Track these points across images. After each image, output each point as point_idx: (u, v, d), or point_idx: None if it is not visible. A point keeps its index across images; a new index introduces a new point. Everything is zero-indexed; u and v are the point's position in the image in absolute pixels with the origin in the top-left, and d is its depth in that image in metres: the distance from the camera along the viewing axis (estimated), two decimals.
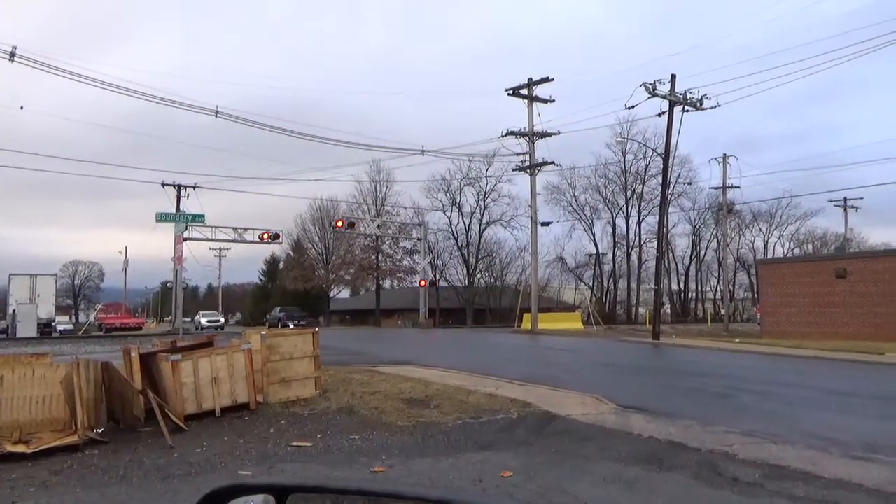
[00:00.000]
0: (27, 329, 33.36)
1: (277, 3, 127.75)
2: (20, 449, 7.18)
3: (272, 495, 1.29)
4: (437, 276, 59.53)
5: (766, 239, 67.38)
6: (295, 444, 7.71)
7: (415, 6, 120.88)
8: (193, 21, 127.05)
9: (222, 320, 55.23)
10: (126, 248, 70.49)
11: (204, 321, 51.04)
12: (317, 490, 1.37)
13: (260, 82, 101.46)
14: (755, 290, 56.28)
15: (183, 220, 37.94)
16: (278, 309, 54.99)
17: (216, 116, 33.11)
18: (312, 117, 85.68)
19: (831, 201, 55.03)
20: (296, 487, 1.32)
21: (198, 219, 38.81)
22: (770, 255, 61.90)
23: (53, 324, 39.03)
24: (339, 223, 47.02)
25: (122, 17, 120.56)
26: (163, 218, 37.90)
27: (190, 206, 40.22)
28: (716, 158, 45.54)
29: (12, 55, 26.30)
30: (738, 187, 46.61)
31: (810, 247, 65.25)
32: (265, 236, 43.15)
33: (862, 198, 53.71)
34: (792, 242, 66.92)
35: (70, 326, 48.98)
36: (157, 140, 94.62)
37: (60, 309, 54.15)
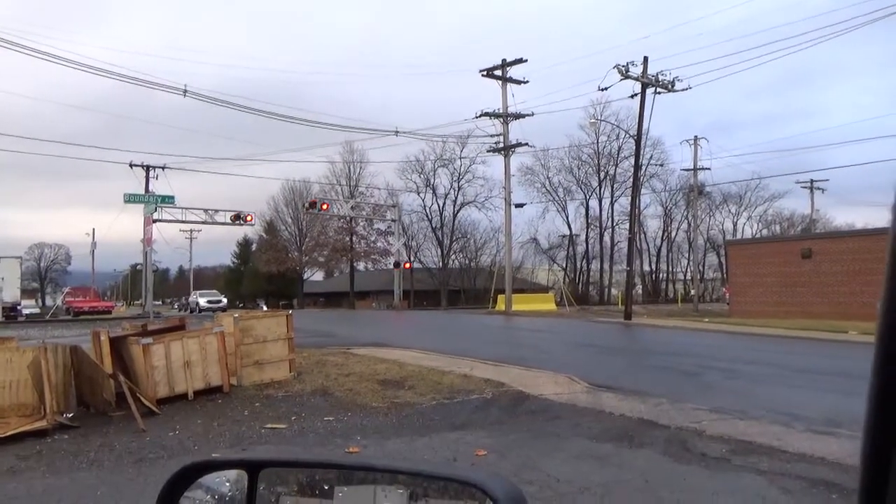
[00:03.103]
0: None
1: None
2: None
3: (244, 470, 1.29)
4: (412, 258, 59.49)
5: (735, 220, 68.67)
6: (269, 426, 7.69)
7: None
8: (176, 2, 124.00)
9: (224, 301, 48.99)
10: (94, 230, 69.04)
11: (203, 301, 46.96)
12: (288, 464, 1.38)
13: (240, 63, 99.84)
14: (724, 271, 57.35)
15: (152, 202, 37.20)
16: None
17: (185, 96, 32.54)
18: (291, 99, 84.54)
19: (798, 183, 56.21)
20: (267, 462, 1.33)
21: (167, 200, 38.09)
22: (739, 236, 63.06)
23: (19, 307, 38.19)
24: (312, 205, 46.57)
25: None
26: (131, 199, 37.11)
27: (160, 187, 39.55)
28: (687, 140, 46.08)
29: None
30: (709, 169, 47.26)
31: (778, 228, 66.60)
32: (236, 218, 42.60)
33: (828, 179, 54.97)
34: (760, 223, 68.32)
35: (37, 310, 47.93)
36: (130, 121, 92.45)
37: (26, 292, 53.02)
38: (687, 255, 66.47)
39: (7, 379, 7.73)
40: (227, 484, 1.31)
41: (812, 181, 55.52)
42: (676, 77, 29.51)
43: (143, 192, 38.60)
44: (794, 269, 29.81)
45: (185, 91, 32.41)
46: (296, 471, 1.33)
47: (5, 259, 38.07)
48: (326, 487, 1.26)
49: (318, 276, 73.16)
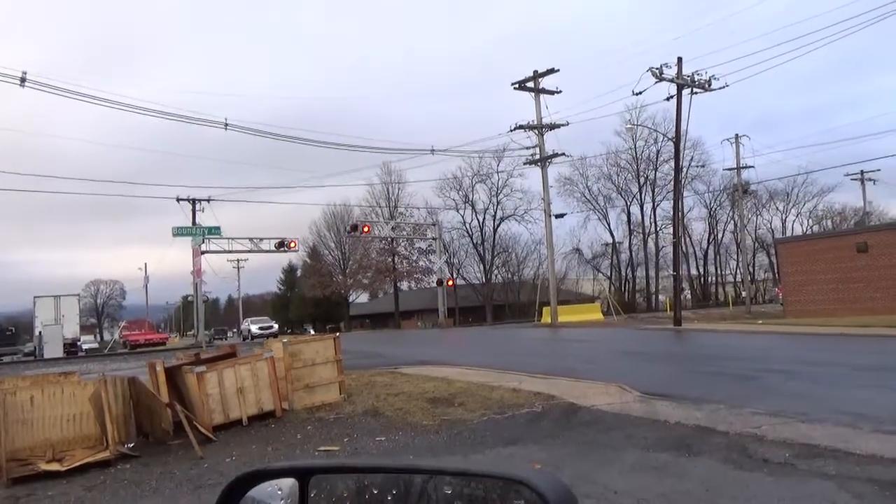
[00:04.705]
0: (54, 349, 33.82)
1: (297, 17, 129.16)
2: (54, 467, 7.30)
3: (295, 477, 1.31)
4: (455, 275, 59.52)
5: (783, 218, 66.79)
6: (322, 448, 7.76)
7: (419, 8, 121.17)
8: (218, 42, 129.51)
9: (276, 326, 50.05)
10: (146, 264, 71.50)
11: (255, 328, 47.63)
12: (337, 470, 1.39)
13: (278, 93, 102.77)
14: (776, 270, 55.72)
15: (199, 234, 38.23)
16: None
17: (226, 129, 33.36)
18: (329, 125, 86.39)
19: (848, 175, 54.33)
20: (316, 468, 1.35)
21: (213, 231, 39.09)
22: (789, 234, 61.21)
23: (79, 343, 39.49)
24: (353, 228, 47.15)
25: (153, 41, 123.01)
26: (179, 232, 38.22)
27: (206, 219, 40.61)
28: (728, 139, 45.15)
29: (23, 80, 26.68)
30: (753, 167, 46.13)
31: (829, 223, 64.45)
32: (280, 245, 43.42)
33: (879, 170, 52.97)
34: (811, 219, 66.25)
35: (95, 345, 49.52)
36: (176, 158, 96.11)
37: (85, 328, 54.85)
38: (735, 256, 64.91)
39: (71, 412, 8.00)
40: (279, 492, 1.33)
41: (862, 172, 53.66)
42: (713, 76, 29.03)
43: (190, 224, 39.70)
44: (849, 264, 28.75)
45: (226, 124, 33.30)
46: (345, 476, 1.35)
47: (65, 297, 39.52)
48: (375, 492, 1.28)
49: (363, 298, 73.80)
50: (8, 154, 63.96)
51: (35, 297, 39.05)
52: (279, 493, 1.33)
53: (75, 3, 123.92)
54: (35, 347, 36.69)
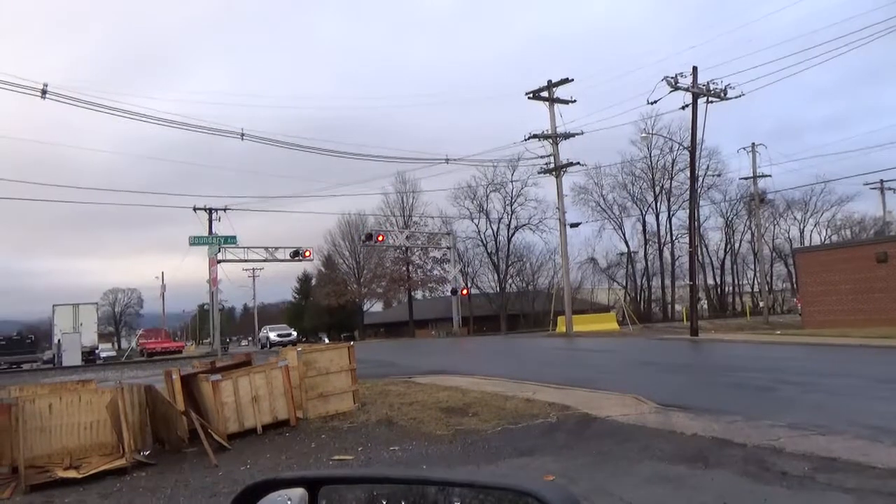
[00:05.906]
0: (72, 357, 34.13)
1: (315, 28, 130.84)
2: (71, 474, 7.36)
3: (304, 487, 1.32)
4: (469, 284, 59.44)
5: (801, 227, 65.99)
6: (336, 457, 7.77)
7: (436, 19, 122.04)
8: (236, 53, 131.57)
9: (294, 334, 50.15)
10: (163, 273, 72.09)
11: (273, 336, 47.76)
12: (346, 480, 1.40)
13: (298, 103, 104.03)
14: (794, 280, 55.09)
15: (215, 243, 38.55)
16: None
17: (242, 139, 33.70)
18: (347, 134, 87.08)
19: (867, 184, 53.67)
20: (327, 479, 1.35)
21: (230, 240, 39.38)
22: (807, 244, 60.53)
23: (97, 351, 39.82)
24: (369, 237, 47.33)
25: (174, 50, 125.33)
26: (196, 241, 38.53)
27: (223, 228, 40.92)
28: (744, 148, 44.78)
29: (44, 92, 27.14)
30: (769, 176, 45.69)
31: (848, 232, 63.62)
32: (295, 254, 43.64)
33: None
34: (829, 229, 65.36)
35: (113, 353, 49.91)
36: (195, 167, 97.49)
37: (103, 336, 55.24)
38: (753, 266, 64.25)
39: (88, 420, 8.07)
40: (289, 502, 1.34)
41: (882, 181, 53.03)
42: (728, 85, 28.89)
43: (206, 234, 40.00)
44: (868, 274, 28.38)
45: (243, 135, 33.61)
46: (354, 487, 1.36)
47: (83, 305, 39.91)
48: (385, 503, 1.28)
49: (378, 306, 73.95)
50: (29, 164, 65.18)
51: (54, 306, 39.51)
52: (289, 502, 1.34)
53: (97, 15, 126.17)
54: (54, 355, 37.03)
